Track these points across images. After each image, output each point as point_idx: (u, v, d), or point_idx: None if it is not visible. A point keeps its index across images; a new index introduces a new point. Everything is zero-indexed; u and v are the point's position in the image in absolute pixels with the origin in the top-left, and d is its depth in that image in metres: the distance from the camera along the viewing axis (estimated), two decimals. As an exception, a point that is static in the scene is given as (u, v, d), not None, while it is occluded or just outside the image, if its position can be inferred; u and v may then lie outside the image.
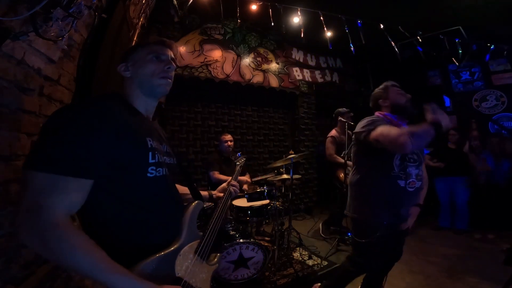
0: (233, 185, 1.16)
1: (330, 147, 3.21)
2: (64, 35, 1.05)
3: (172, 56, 0.88)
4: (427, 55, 3.12)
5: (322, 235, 3.30)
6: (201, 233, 0.87)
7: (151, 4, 2.68)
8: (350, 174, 1.68)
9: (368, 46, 3.01)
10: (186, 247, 0.78)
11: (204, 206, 1.00)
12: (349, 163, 3.09)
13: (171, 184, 0.86)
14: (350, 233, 1.66)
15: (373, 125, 1.43)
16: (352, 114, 3.34)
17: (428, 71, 4.81)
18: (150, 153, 0.74)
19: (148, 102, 0.86)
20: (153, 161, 0.74)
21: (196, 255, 0.80)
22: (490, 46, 3.41)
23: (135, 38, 2.21)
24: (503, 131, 3.93)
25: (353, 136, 1.62)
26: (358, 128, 1.53)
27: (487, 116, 4.18)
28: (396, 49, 2.99)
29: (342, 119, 3.22)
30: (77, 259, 0.55)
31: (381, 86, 1.67)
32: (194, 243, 0.82)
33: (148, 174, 0.73)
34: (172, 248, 0.74)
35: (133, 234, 0.71)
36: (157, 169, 0.75)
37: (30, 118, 1.00)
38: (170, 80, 0.86)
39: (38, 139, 0.63)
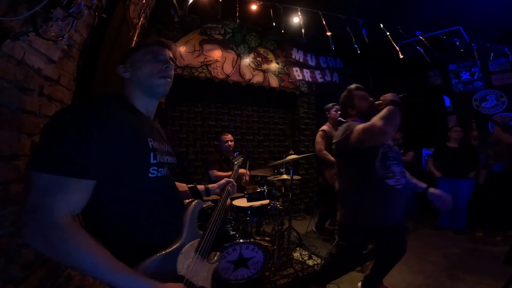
0: (231, 184, 1.18)
1: (320, 142, 3.05)
2: (64, 35, 1.05)
3: (171, 55, 0.88)
4: (427, 55, 3.11)
5: (320, 236, 3.29)
6: (202, 232, 0.88)
7: (151, 4, 2.68)
8: (336, 183, 1.69)
9: (368, 46, 3.01)
10: (187, 246, 0.78)
11: (204, 206, 1.01)
12: None
13: (172, 183, 0.87)
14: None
15: (349, 129, 1.47)
16: (338, 106, 3.25)
17: (428, 71, 4.80)
18: (152, 154, 0.74)
19: (149, 102, 0.87)
20: (155, 161, 0.75)
21: (197, 254, 0.80)
22: (490, 46, 3.42)
23: (135, 38, 2.21)
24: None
25: (334, 147, 1.63)
26: (337, 138, 1.55)
27: (487, 116, 4.18)
28: (397, 48, 2.98)
29: (331, 114, 3.15)
30: (81, 258, 0.55)
31: (345, 93, 1.70)
32: (195, 242, 0.82)
33: (150, 175, 0.73)
34: (173, 247, 0.74)
35: (135, 234, 0.71)
36: (159, 169, 0.76)
37: (30, 118, 1.00)
38: (170, 80, 0.86)
39: (40, 140, 0.64)
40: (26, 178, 0.58)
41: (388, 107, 1.38)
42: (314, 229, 3.38)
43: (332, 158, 3.01)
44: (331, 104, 3.26)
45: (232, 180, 1.23)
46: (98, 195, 0.65)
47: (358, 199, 1.51)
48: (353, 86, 1.68)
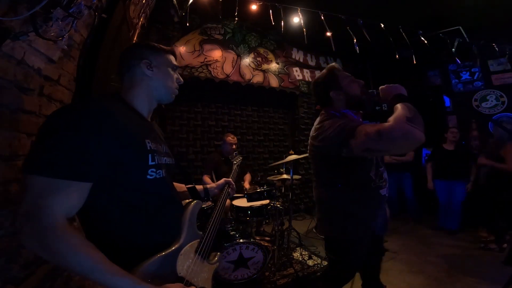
0: (231, 186, 1.18)
1: None
2: (64, 35, 1.05)
3: None
4: (425, 55, 3.11)
5: (321, 236, 3.29)
6: (201, 233, 0.87)
7: (151, 4, 2.68)
8: (314, 190, 1.38)
9: (368, 46, 3.01)
10: (186, 247, 0.78)
11: (204, 206, 1.01)
12: None
13: (171, 185, 0.87)
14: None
15: (347, 131, 1.06)
16: None
17: (428, 71, 4.81)
18: (150, 155, 0.74)
19: (152, 104, 0.89)
20: (153, 163, 0.74)
21: (197, 255, 0.80)
22: (490, 46, 3.41)
23: (135, 38, 2.21)
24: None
25: (312, 151, 1.28)
26: (323, 140, 1.16)
27: (487, 116, 4.18)
28: (393, 50, 2.98)
29: None
30: (77, 260, 0.55)
31: (325, 72, 1.31)
32: (195, 243, 0.82)
33: (148, 176, 0.73)
34: (173, 248, 0.74)
35: (134, 236, 0.71)
36: (157, 171, 0.75)
37: (30, 118, 1.00)
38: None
39: (36, 141, 0.63)
40: (22, 181, 0.59)
41: (404, 105, 1.04)
42: (314, 230, 3.39)
43: None
44: None
45: (230, 180, 1.20)
46: (96, 198, 0.64)
47: (353, 209, 1.24)
48: (334, 64, 1.33)
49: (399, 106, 1.04)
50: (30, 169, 0.58)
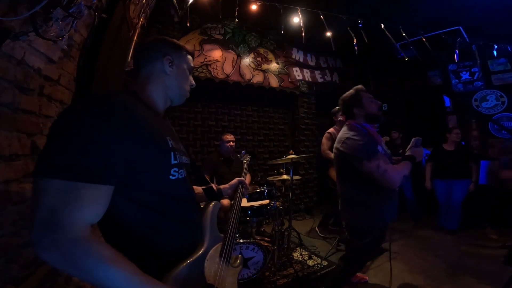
0: (244, 185, 1.16)
1: (324, 143, 3.12)
2: (64, 35, 1.05)
3: None
4: (425, 55, 3.12)
5: (321, 235, 3.31)
6: (223, 235, 0.84)
7: (151, 4, 2.68)
8: (338, 185, 1.70)
9: (369, 46, 3.01)
10: (211, 251, 0.76)
11: None
12: None
13: (190, 185, 0.82)
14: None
15: (365, 153, 1.43)
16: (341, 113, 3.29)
17: (428, 71, 4.81)
18: (172, 154, 0.69)
19: (167, 103, 0.86)
20: (175, 162, 0.69)
21: (222, 259, 0.77)
22: (491, 46, 3.41)
23: (135, 38, 2.21)
24: (503, 131, 3.91)
25: (335, 153, 1.62)
26: (346, 148, 1.50)
27: (487, 116, 4.18)
28: (399, 49, 2.98)
29: (338, 117, 3.21)
30: (108, 275, 0.50)
31: (352, 92, 1.70)
32: (218, 246, 0.79)
33: (171, 177, 0.68)
34: (199, 253, 0.71)
35: (156, 241, 0.66)
36: (179, 171, 0.71)
37: (30, 118, 1.00)
38: None
39: (49, 142, 0.55)
40: (34, 187, 0.51)
41: (408, 163, 1.48)
42: (317, 228, 3.40)
43: None
44: (338, 107, 3.29)
45: (243, 179, 1.17)
46: (116, 201, 0.58)
47: (371, 203, 1.54)
48: (360, 86, 1.70)
49: (404, 163, 1.49)
50: (43, 172, 0.51)
